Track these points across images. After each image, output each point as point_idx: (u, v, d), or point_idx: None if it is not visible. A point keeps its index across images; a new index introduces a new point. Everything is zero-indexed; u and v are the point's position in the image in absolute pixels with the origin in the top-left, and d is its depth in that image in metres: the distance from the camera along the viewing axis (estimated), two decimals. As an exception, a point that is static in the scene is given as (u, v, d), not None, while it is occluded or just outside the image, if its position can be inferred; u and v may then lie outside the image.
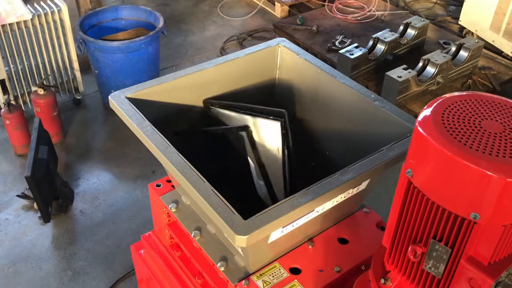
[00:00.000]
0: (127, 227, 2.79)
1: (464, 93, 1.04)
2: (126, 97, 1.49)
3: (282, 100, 1.84)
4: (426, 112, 0.98)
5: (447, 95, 1.04)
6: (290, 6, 4.78)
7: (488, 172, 0.86)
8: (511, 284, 1.02)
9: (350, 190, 1.33)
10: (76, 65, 3.53)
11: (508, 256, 1.00)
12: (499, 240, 0.94)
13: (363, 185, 1.38)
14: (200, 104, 1.69)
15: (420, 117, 0.98)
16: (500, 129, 0.94)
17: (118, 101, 1.47)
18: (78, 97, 3.67)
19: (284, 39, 1.83)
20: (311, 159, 1.76)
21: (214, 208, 1.14)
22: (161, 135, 1.35)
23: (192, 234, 1.50)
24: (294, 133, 1.60)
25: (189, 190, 1.22)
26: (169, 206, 1.58)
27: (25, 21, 3.19)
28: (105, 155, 3.31)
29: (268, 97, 1.84)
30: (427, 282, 1.06)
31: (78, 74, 3.57)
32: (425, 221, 1.00)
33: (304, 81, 1.76)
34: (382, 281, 1.15)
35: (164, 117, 1.55)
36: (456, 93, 1.04)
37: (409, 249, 1.04)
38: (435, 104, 1.00)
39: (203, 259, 1.52)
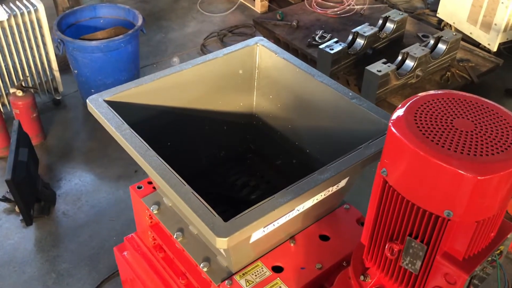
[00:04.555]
0: (110, 227, 2.78)
1: (437, 92, 1.06)
2: (104, 100, 1.48)
3: (261, 99, 1.85)
4: (399, 112, 1.00)
5: (420, 94, 1.05)
6: (270, 1, 4.78)
7: (460, 171, 0.88)
8: (485, 277, 1.05)
9: (330, 188, 1.35)
10: (54, 65, 3.49)
11: (482, 250, 1.03)
12: (472, 236, 0.96)
13: (343, 183, 1.40)
14: (179, 104, 1.69)
15: (393, 117, 1.00)
16: (471, 127, 0.96)
17: (96, 105, 1.46)
18: (58, 98, 3.63)
19: (262, 38, 1.84)
20: (292, 156, 1.78)
21: (194, 211, 1.15)
22: (140, 138, 1.34)
23: (175, 236, 1.50)
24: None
25: (169, 193, 1.22)
26: (151, 208, 1.58)
27: (1, 22, 3.14)
28: (86, 155, 3.28)
29: (247, 96, 1.85)
30: (404, 278, 1.08)
31: (57, 74, 3.53)
32: (401, 219, 1.02)
33: (283, 79, 1.77)
34: (362, 277, 1.17)
35: (143, 119, 1.55)
36: (429, 92, 1.06)
37: (386, 247, 1.06)
38: (408, 103, 1.02)
39: (186, 260, 1.53)
